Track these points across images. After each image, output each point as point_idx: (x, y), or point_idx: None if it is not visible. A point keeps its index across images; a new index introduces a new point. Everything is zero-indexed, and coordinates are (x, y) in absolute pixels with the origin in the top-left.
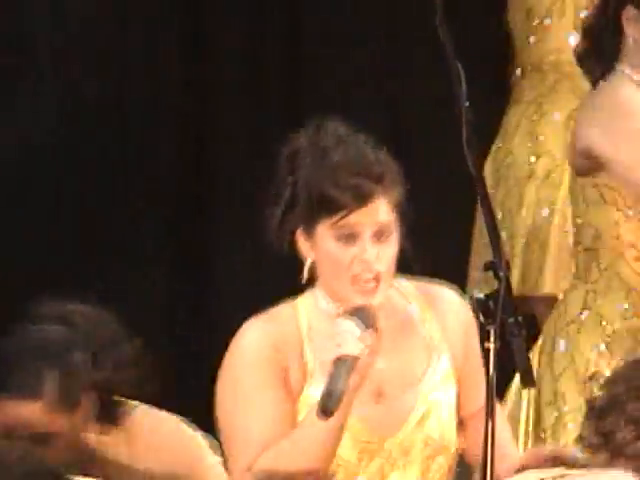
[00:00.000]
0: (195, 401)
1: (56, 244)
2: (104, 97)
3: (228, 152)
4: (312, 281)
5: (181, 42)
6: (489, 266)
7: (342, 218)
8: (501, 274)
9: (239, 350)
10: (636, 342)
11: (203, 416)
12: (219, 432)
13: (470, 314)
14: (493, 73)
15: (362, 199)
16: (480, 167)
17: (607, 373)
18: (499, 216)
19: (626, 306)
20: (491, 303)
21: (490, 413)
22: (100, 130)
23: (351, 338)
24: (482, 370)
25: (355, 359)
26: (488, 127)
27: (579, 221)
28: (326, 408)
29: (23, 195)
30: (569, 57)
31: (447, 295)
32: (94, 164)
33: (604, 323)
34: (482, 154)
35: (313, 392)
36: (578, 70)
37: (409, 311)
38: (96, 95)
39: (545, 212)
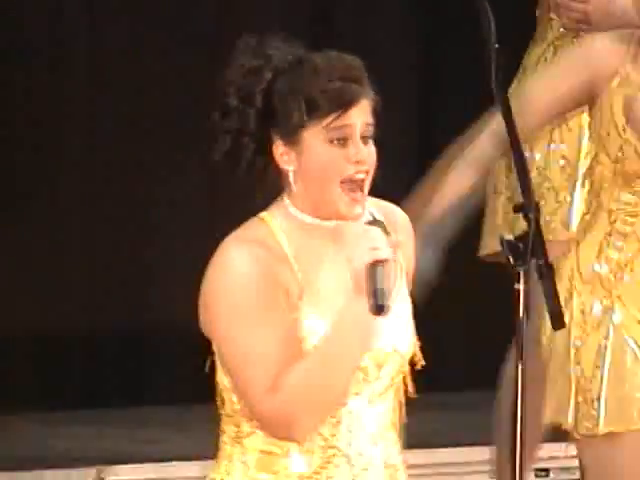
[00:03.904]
0: None
1: None
2: None
3: None
4: (265, 202)
5: None
6: (519, 208)
7: (333, 121)
8: (530, 216)
9: (229, 273)
10: None
11: None
12: (224, 363)
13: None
14: (526, 10)
15: (350, 100)
16: (509, 109)
17: None
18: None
19: None
20: (521, 245)
21: (520, 357)
22: None
23: (383, 243)
24: None
25: (389, 262)
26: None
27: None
28: (382, 304)
29: None
30: None
31: (398, 210)
32: None
33: None
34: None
35: (307, 312)
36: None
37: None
38: None
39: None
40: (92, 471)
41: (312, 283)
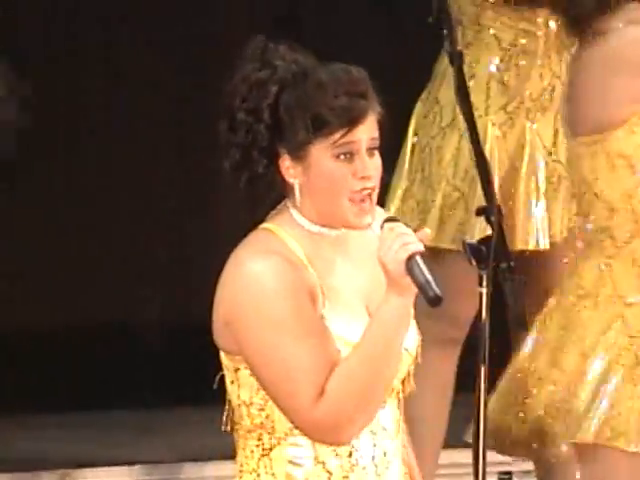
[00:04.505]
0: None
1: None
2: None
3: None
4: (263, 214)
5: None
6: (481, 211)
7: (341, 137)
8: (493, 219)
9: (257, 289)
10: None
11: None
12: (261, 378)
13: None
14: None
15: (357, 117)
16: (471, 114)
17: None
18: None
19: None
20: (483, 248)
21: (483, 359)
22: None
23: (412, 237)
24: None
25: (423, 253)
26: None
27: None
28: (435, 294)
29: None
30: (487, 13)
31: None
32: None
33: None
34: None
35: (330, 317)
36: (497, 25)
37: (371, 235)
38: None
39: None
40: (56, 474)
41: (329, 288)
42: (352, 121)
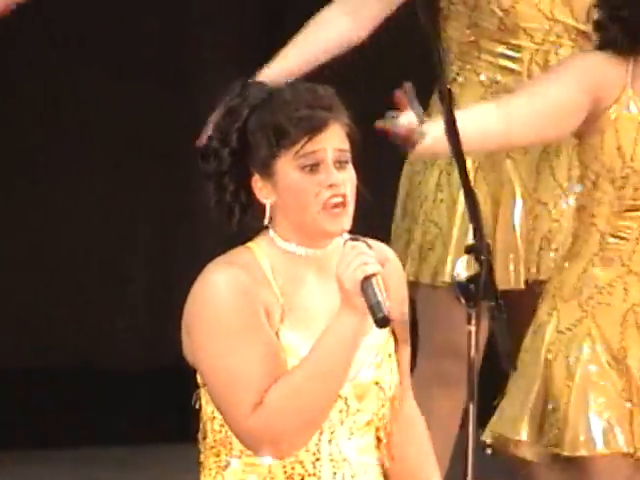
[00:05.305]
0: None
1: None
2: None
3: None
4: (249, 235)
5: None
6: (470, 249)
7: (303, 146)
8: (482, 257)
9: (207, 296)
10: None
11: None
12: (208, 387)
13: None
14: None
15: (318, 126)
16: (460, 152)
17: None
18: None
19: None
20: (472, 286)
21: (470, 396)
22: None
23: (371, 258)
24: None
25: (378, 275)
26: None
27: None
28: (383, 316)
29: None
30: (471, 51)
31: (387, 249)
32: None
33: None
34: None
35: (287, 334)
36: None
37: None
38: None
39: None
40: None
41: (294, 307)
42: (312, 129)
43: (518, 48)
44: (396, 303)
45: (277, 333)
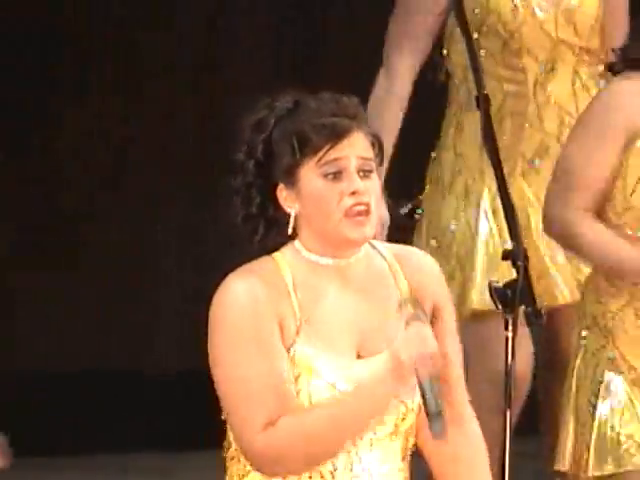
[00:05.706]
0: None
1: None
2: None
3: None
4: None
5: None
6: (507, 255)
7: (325, 153)
8: (519, 263)
9: (225, 306)
10: None
11: None
12: (221, 397)
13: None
14: None
15: (340, 133)
16: (498, 160)
17: None
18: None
19: None
20: (509, 292)
21: (507, 402)
22: None
23: (431, 342)
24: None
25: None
26: None
27: None
28: (441, 429)
29: None
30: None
31: (415, 252)
32: None
33: None
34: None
35: (302, 348)
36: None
37: (382, 265)
38: None
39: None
40: None
41: (312, 320)
42: (334, 136)
43: (522, 71)
44: (429, 296)
45: (291, 346)
